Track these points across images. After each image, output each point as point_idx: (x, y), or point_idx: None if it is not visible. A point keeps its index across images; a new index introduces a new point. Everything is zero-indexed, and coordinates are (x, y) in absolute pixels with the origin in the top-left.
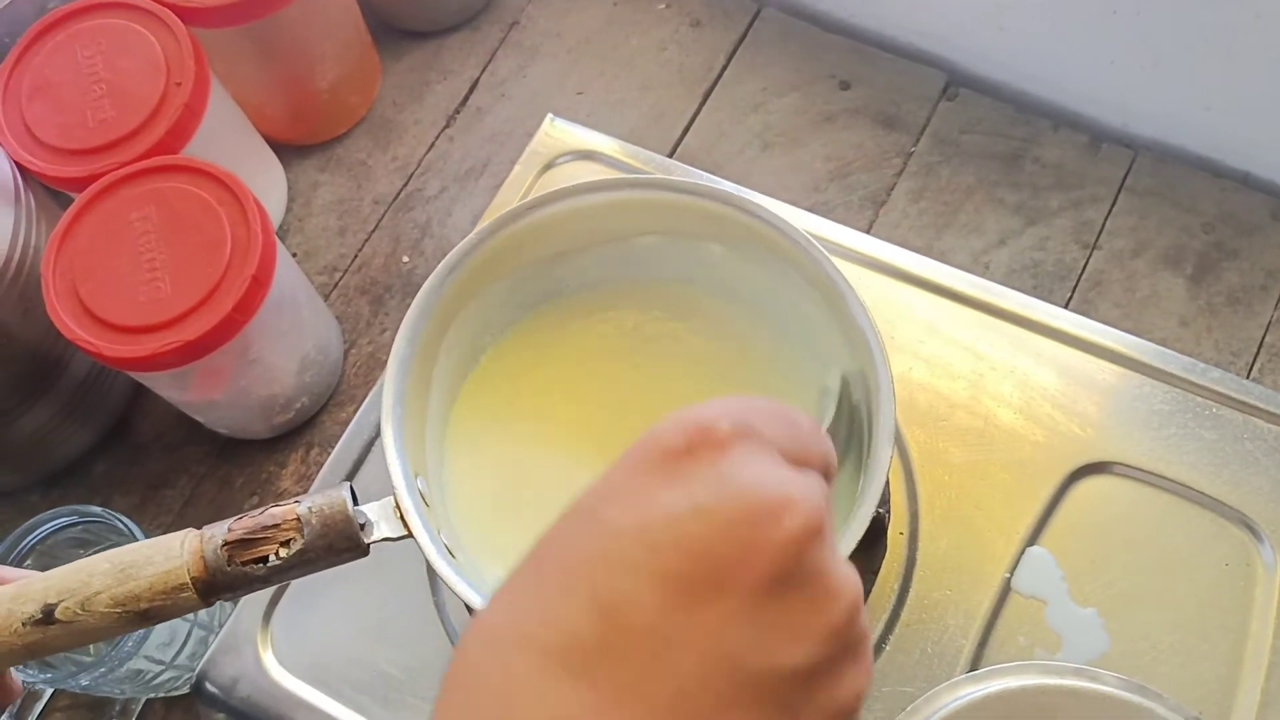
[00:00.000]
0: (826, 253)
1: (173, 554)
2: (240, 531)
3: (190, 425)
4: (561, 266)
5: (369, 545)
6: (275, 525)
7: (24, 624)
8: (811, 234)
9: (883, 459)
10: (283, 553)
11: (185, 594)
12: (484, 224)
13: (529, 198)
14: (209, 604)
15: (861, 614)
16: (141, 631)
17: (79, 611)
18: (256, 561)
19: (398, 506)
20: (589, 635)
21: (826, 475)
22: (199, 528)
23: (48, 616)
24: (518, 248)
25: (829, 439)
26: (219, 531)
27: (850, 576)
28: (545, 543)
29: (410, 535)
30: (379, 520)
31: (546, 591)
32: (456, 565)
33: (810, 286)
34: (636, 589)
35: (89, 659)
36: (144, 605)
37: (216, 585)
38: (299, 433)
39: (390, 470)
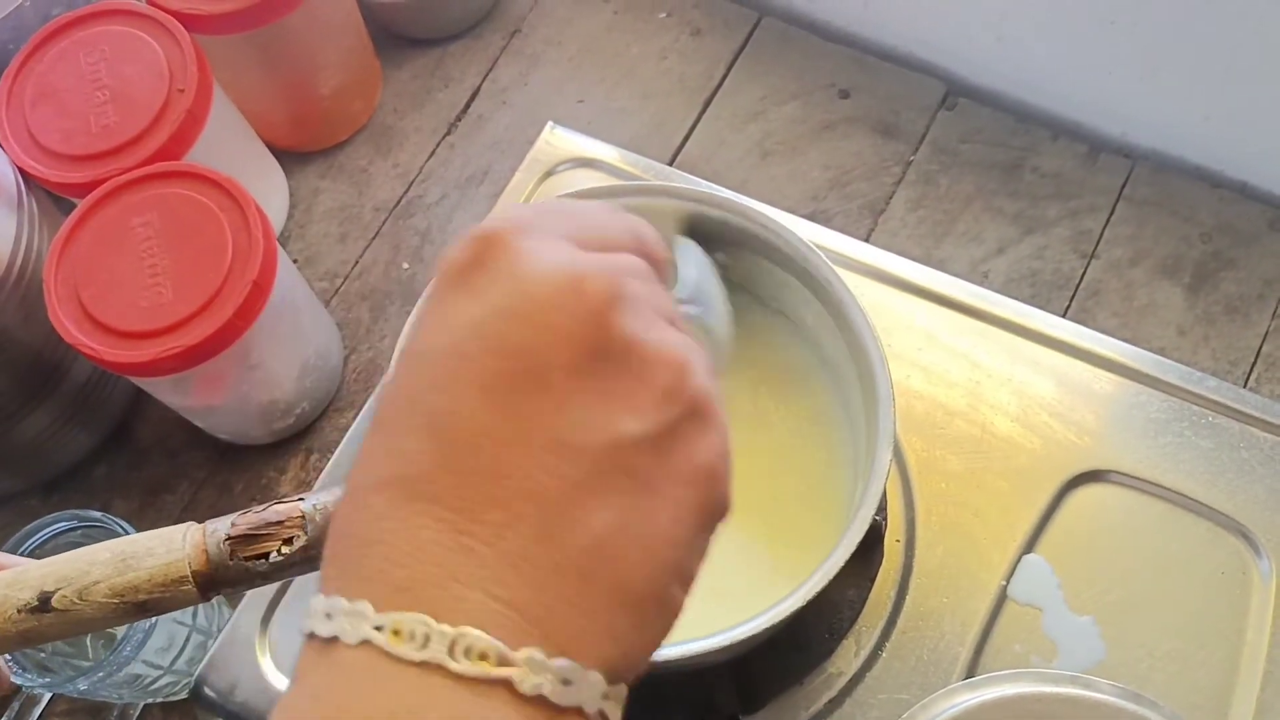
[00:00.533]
0: (826, 259)
1: (174, 546)
2: (244, 527)
3: (190, 430)
4: None
5: None
6: (279, 522)
7: (19, 610)
8: (810, 242)
9: (882, 463)
10: (285, 549)
11: (185, 587)
12: None
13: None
14: (208, 598)
15: (693, 376)
16: (140, 636)
17: (76, 600)
18: (259, 557)
19: None
20: (429, 460)
21: (645, 255)
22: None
23: (44, 604)
24: None
25: (635, 220)
26: (222, 526)
27: (673, 341)
28: (382, 393)
29: None
30: None
31: (387, 432)
32: None
33: (810, 293)
34: (459, 402)
35: (87, 663)
36: (142, 597)
37: (217, 580)
38: (299, 438)
39: None
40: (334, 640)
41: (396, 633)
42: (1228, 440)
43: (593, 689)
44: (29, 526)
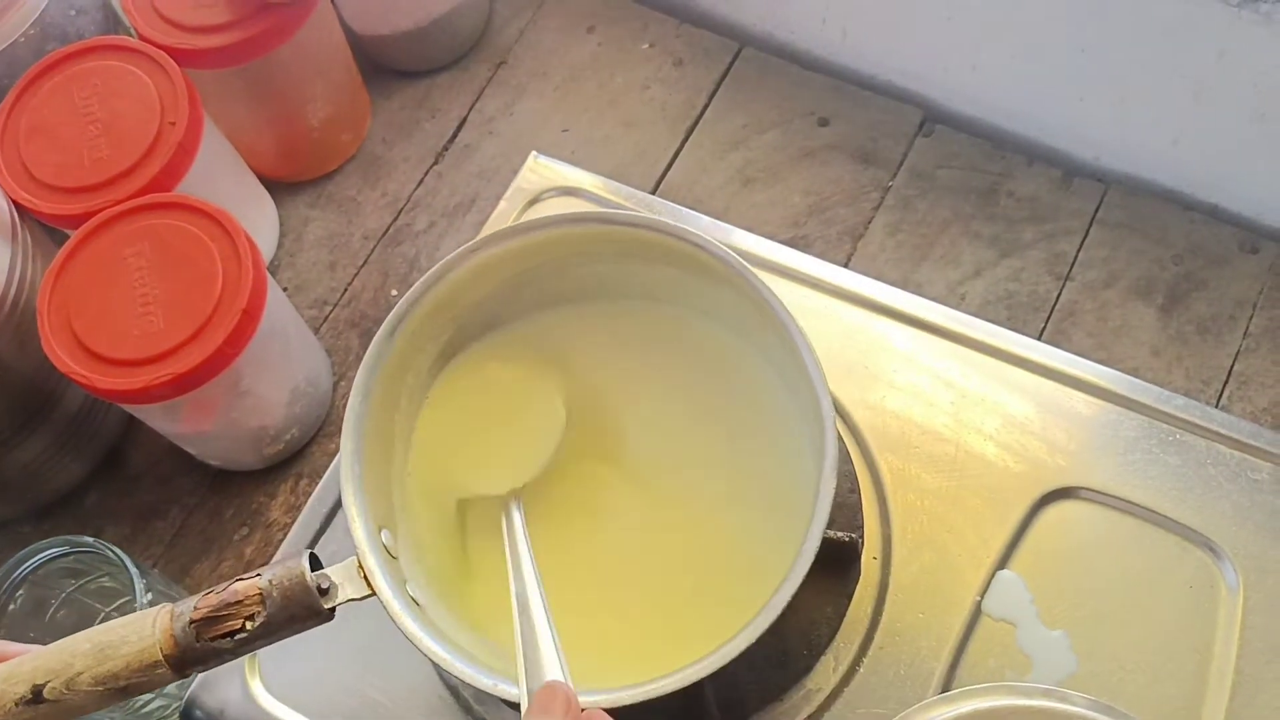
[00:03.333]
0: (759, 277)
1: (145, 633)
2: (205, 610)
3: (181, 457)
4: (528, 290)
5: (333, 609)
6: (238, 601)
7: (16, 703)
8: (790, 268)
9: (825, 492)
10: (249, 625)
11: (160, 670)
12: (428, 274)
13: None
14: (184, 676)
15: None
16: None
17: (65, 690)
18: (223, 636)
19: (360, 566)
20: None
21: None
22: (174, 602)
23: (37, 696)
24: (458, 296)
25: None
26: (186, 609)
27: None
28: None
29: (374, 594)
30: (343, 582)
31: None
32: (422, 619)
33: (760, 316)
34: None
35: None
36: (123, 683)
37: (187, 661)
38: (289, 464)
39: (352, 531)
40: None
41: None
42: (1195, 457)
43: None
44: (22, 552)
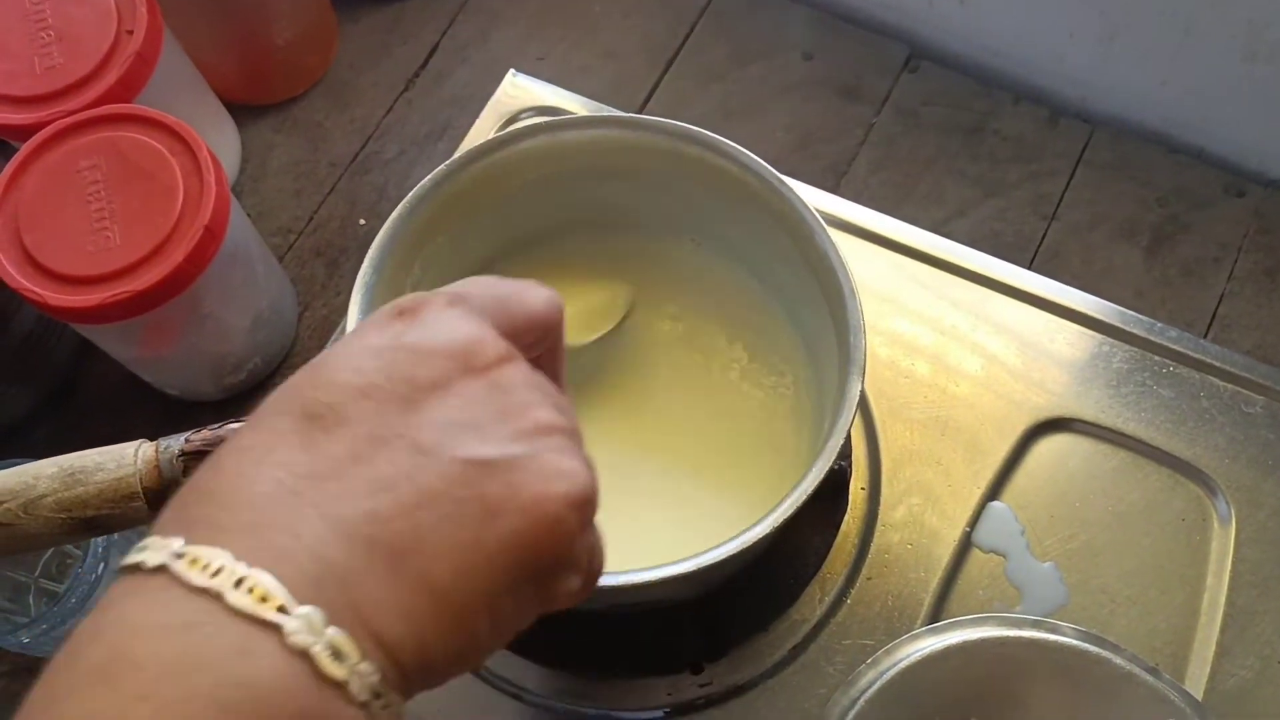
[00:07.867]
0: (795, 190)
1: (125, 462)
2: (198, 443)
3: (138, 387)
4: (530, 206)
5: None
6: None
7: None
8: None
9: (853, 394)
10: None
11: (135, 503)
12: (458, 155)
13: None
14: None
15: (555, 421)
16: (84, 588)
17: (21, 514)
18: None
19: None
20: (289, 428)
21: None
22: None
23: None
24: (490, 182)
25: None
26: (175, 442)
27: (535, 393)
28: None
29: None
30: None
31: (259, 417)
32: None
33: (779, 228)
34: (335, 397)
35: (27, 619)
36: (91, 512)
37: (169, 496)
38: (250, 395)
39: None
40: (137, 567)
41: (194, 561)
42: (1188, 389)
43: (363, 677)
44: None
